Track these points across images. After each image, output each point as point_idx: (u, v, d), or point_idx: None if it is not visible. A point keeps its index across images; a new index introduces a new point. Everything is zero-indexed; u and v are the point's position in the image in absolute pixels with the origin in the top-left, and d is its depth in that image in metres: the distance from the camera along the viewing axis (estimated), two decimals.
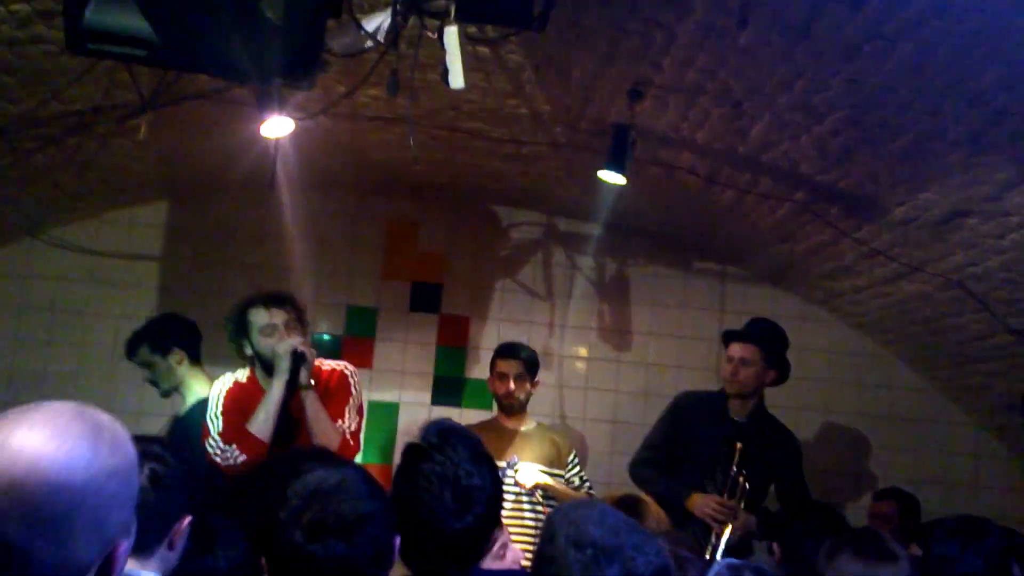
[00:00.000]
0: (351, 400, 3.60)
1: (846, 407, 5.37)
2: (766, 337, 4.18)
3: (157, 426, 4.99)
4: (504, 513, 4.16)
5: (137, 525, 1.73)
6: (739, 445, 3.98)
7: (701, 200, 4.53)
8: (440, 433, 2.05)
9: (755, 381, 4.14)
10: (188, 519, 1.90)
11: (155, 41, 2.58)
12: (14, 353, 5.14)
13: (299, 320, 3.58)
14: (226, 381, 3.63)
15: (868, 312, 5.10)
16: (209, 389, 4.10)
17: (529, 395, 4.42)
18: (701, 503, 3.97)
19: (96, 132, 4.02)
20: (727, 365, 4.19)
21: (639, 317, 5.48)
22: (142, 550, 1.76)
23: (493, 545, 2.26)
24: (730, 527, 3.91)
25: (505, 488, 4.15)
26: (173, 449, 2.03)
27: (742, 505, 3.97)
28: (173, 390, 4.15)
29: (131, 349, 4.16)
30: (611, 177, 3.84)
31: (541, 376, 5.31)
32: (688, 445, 4.20)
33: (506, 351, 4.47)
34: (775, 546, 3.09)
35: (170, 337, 4.11)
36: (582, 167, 4.27)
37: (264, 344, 3.51)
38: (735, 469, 3.94)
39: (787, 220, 4.39)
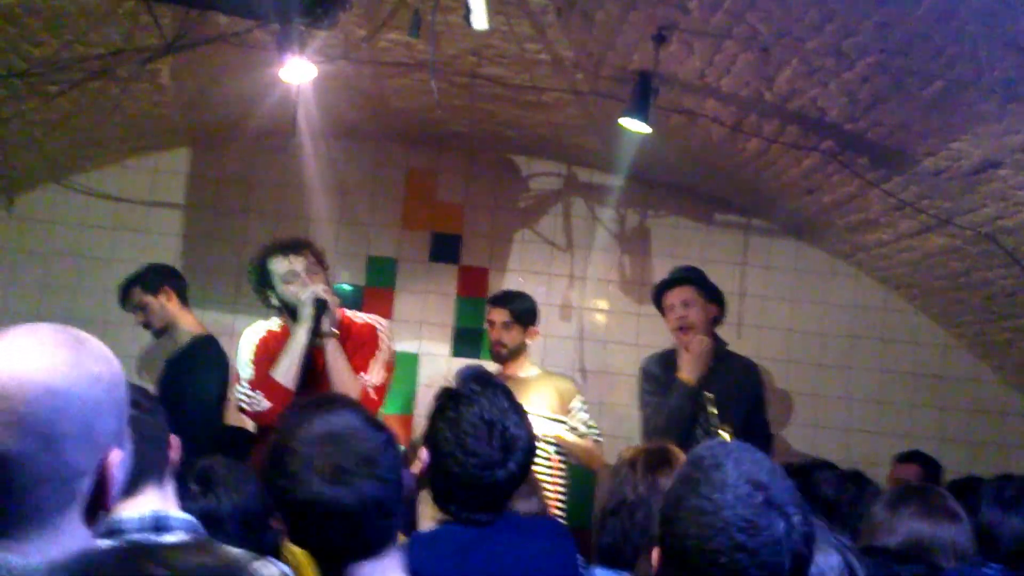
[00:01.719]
0: (378, 354, 3.59)
1: (870, 363, 5.32)
2: (695, 276, 4.28)
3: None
4: None
5: (148, 455, 1.73)
6: (710, 395, 3.95)
7: (725, 150, 4.46)
8: (479, 380, 2.05)
9: (703, 317, 4.18)
10: (178, 440, 1.87)
11: None
12: (40, 299, 5.19)
13: (319, 264, 3.58)
14: (258, 329, 3.64)
15: (894, 266, 5.03)
16: (198, 328, 4.28)
17: (521, 344, 4.34)
18: (687, 356, 4.07)
19: (118, 76, 4.00)
20: (671, 316, 4.23)
21: (660, 269, 5.40)
22: (153, 476, 1.74)
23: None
24: None
25: None
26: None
27: None
28: (164, 330, 4.37)
29: (124, 293, 4.40)
30: (633, 125, 3.78)
31: (561, 328, 5.31)
32: None
33: (495, 299, 4.48)
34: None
35: (160, 278, 4.36)
36: (603, 115, 4.22)
37: (288, 292, 3.51)
38: (716, 422, 3.92)
39: (813, 171, 4.32)
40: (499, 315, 4.36)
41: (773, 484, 1.45)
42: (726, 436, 3.87)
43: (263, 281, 3.58)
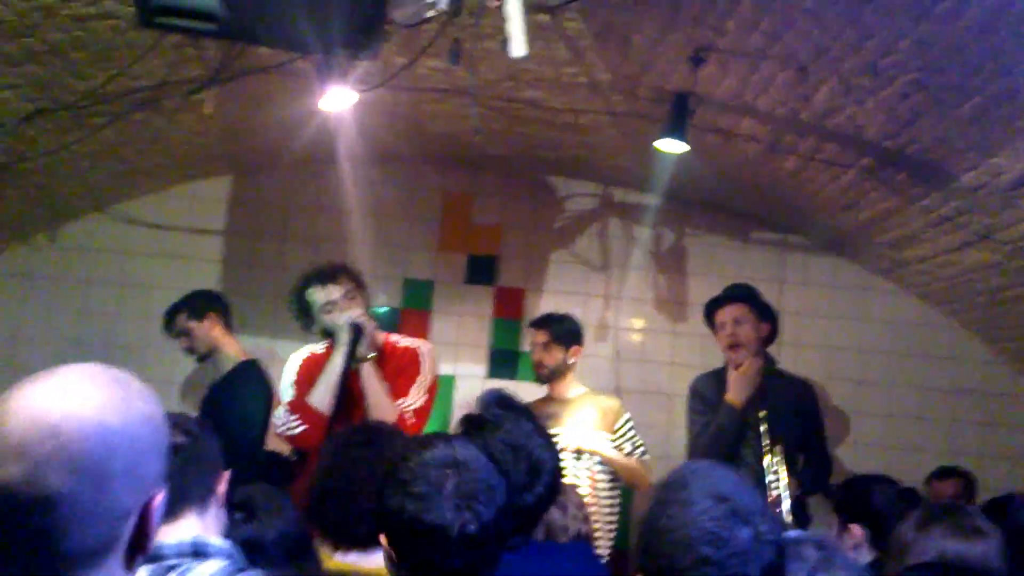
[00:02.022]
0: (419, 379, 3.61)
1: (910, 380, 5.28)
2: (747, 294, 4.25)
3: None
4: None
5: (191, 480, 1.76)
6: (762, 413, 3.94)
7: (761, 168, 4.47)
8: (501, 403, 2.06)
9: (754, 336, 4.15)
10: (228, 472, 1.91)
11: (222, 14, 2.62)
12: (80, 325, 5.28)
13: (357, 287, 3.61)
14: (302, 353, 3.69)
15: (934, 282, 5.00)
16: (242, 353, 4.32)
17: (563, 364, 4.34)
18: (735, 377, 4.04)
19: (163, 107, 4.09)
20: (722, 334, 4.20)
21: (696, 288, 5.43)
22: (196, 503, 1.77)
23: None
24: (784, 495, 3.89)
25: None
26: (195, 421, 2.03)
27: (785, 470, 3.92)
28: (209, 355, 4.40)
29: (169, 319, 4.44)
30: (671, 146, 3.81)
31: (597, 348, 5.30)
32: None
33: (535, 322, 4.50)
34: (856, 528, 3.02)
35: (205, 303, 4.41)
36: (640, 136, 4.24)
37: (328, 320, 3.55)
38: (766, 440, 3.90)
39: (851, 187, 4.31)
40: (539, 336, 4.39)
41: (737, 495, 1.47)
42: (776, 456, 3.87)
43: (304, 311, 3.63)
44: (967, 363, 5.27)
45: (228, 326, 4.43)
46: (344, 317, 3.51)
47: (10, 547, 1.09)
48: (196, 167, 5.21)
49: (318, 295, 3.58)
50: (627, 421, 4.33)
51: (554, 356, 4.34)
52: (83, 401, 1.13)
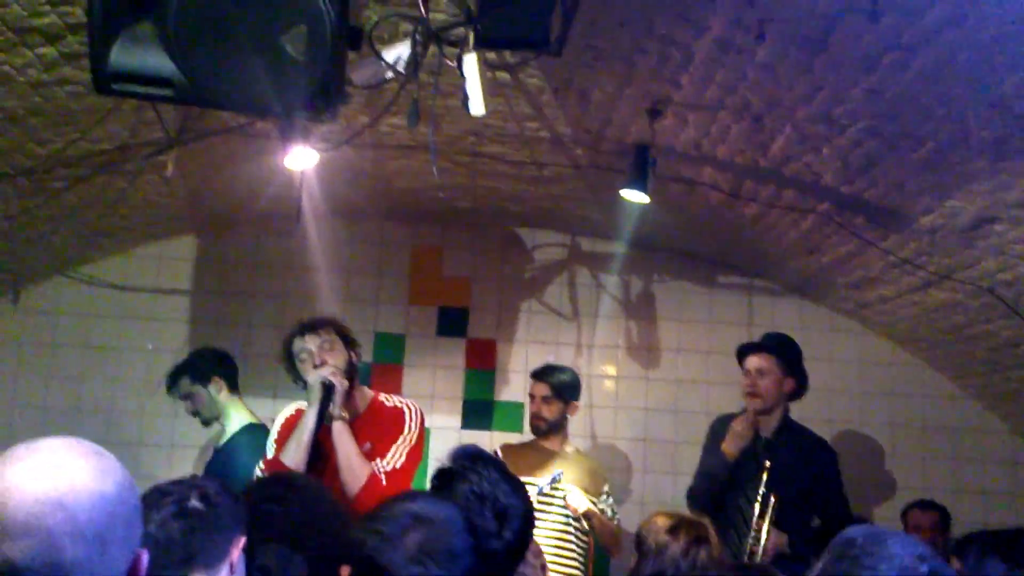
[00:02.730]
0: (401, 438, 3.55)
1: (880, 418, 5.31)
2: (780, 346, 4.20)
3: (190, 459, 5.03)
4: (551, 535, 4.19)
5: (198, 544, 1.78)
6: (767, 464, 3.94)
7: (725, 214, 4.52)
8: (470, 455, 2.11)
9: (775, 390, 4.12)
10: (244, 539, 1.92)
11: (181, 80, 2.63)
12: (47, 389, 5.20)
13: (343, 341, 3.58)
14: (289, 409, 3.64)
15: (898, 321, 5.06)
16: (248, 417, 4.21)
17: (562, 418, 4.40)
18: (731, 437, 4.02)
19: (124, 170, 4.08)
20: (745, 379, 4.18)
21: (666, 334, 5.46)
22: (201, 567, 1.78)
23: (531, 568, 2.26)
24: (758, 549, 3.87)
25: (552, 510, 4.19)
26: (219, 482, 2.06)
27: (769, 525, 3.90)
28: (214, 419, 4.28)
29: (172, 382, 4.30)
30: (633, 196, 3.85)
31: None
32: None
33: (537, 373, 4.50)
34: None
35: (209, 366, 4.26)
36: (604, 187, 4.29)
37: (303, 372, 3.52)
38: (763, 490, 3.90)
39: (812, 232, 4.37)
40: (540, 389, 4.40)
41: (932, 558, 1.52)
42: (767, 511, 3.84)
43: (290, 361, 3.59)
44: (936, 400, 5.32)
45: (234, 388, 4.28)
46: (315, 375, 3.47)
47: None
48: (160, 227, 5.18)
49: (297, 344, 3.55)
50: (608, 486, 4.43)
51: (553, 410, 4.38)
52: (79, 472, 1.19)
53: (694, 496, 4.20)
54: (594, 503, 4.26)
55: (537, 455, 4.35)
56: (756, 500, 3.91)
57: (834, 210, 4.05)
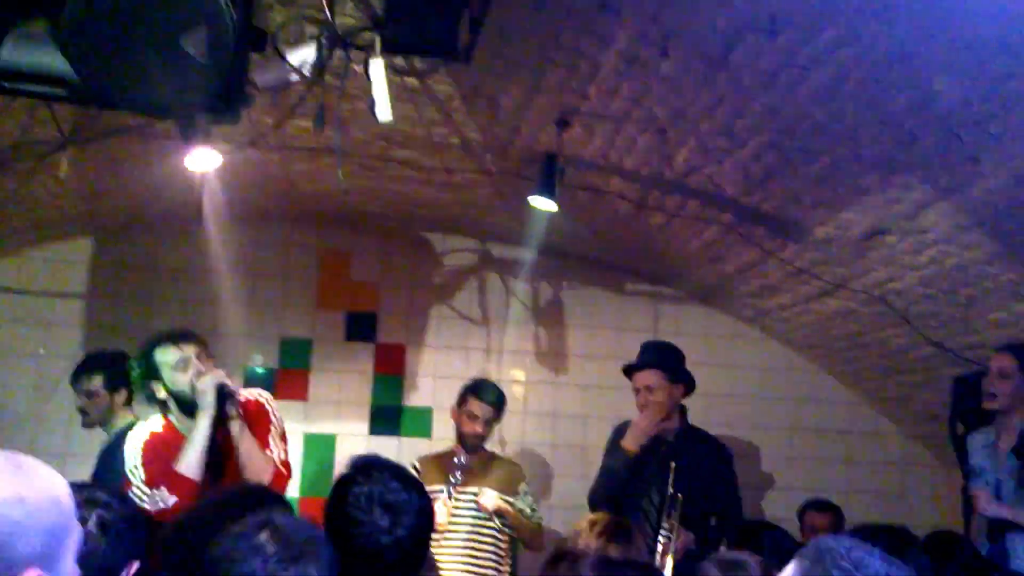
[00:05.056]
0: (272, 428, 3.55)
1: (777, 422, 5.47)
2: (660, 358, 4.29)
3: (84, 467, 4.82)
4: (464, 535, 4.21)
5: (90, 572, 1.71)
6: (673, 464, 4.01)
7: (632, 224, 4.60)
8: (363, 461, 2.19)
9: (667, 400, 4.21)
10: (136, 565, 1.87)
11: (74, 79, 2.54)
12: None
13: (207, 353, 3.53)
14: (140, 433, 3.54)
15: (796, 329, 5.22)
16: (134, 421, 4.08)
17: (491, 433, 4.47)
18: (633, 432, 4.09)
19: (16, 169, 3.92)
20: (637, 397, 4.26)
21: (575, 340, 5.52)
22: None
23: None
24: (671, 550, 3.94)
25: (466, 512, 4.23)
26: (120, 496, 2.00)
27: (677, 524, 3.98)
28: (99, 424, 4.18)
29: (83, 374, 4.16)
30: (542, 204, 3.89)
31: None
32: None
33: (481, 392, 4.43)
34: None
35: (125, 378, 4.09)
36: (514, 194, 4.31)
37: (180, 381, 3.43)
38: (671, 490, 3.97)
39: (715, 241, 4.48)
40: (485, 411, 4.36)
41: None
42: (676, 510, 3.91)
43: (150, 373, 3.50)
44: (831, 405, 5.51)
45: (130, 402, 4.18)
46: (208, 380, 3.40)
47: None
48: (55, 229, 4.99)
49: (170, 354, 3.45)
50: (526, 485, 4.46)
51: (491, 429, 4.41)
52: None
53: (595, 498, 4.25)
54: (511, 502, 4.30)
55: (455, 460, 4.34)
56: (664, 500, 3.98)
57: (736, 221, 4.16)
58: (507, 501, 4.30)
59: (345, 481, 2.13)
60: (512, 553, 4.50)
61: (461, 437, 4.40)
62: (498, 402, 4.42)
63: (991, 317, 4.00)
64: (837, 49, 2.72)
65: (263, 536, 1.73)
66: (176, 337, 3.48)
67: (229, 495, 2.41)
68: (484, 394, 4.41)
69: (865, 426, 5.48)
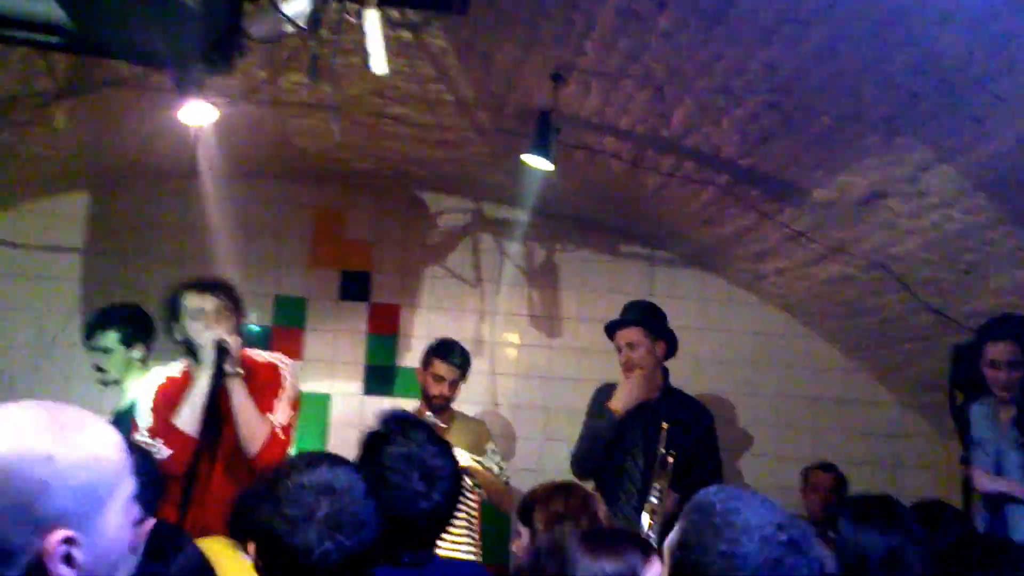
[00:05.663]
0: (281, 393, 3.54)
1: (772, 388, 5.46)
2: (643, 315, 4.31)
3: None
4: None
5: None
6: (665, 425, 4.02)
7: (626, 184, 4.57)
8: (399, 419, 2.15)
9: (649, 357, 4.22)
10: (152, 522, 1.88)
11: (69, 26, 2.51)
12: None
13: (234, 308, 3.51)
14: (158, 376, 3.56)
15: (793, 293, 5.21)
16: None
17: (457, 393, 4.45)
18: (621, 392, 4.10)
19: (12, 121, 3.89)
20: (619, 355, 4.27)
21: (569, 302, 5.51)
22: None
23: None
24: (659, 509, 3.95)
25: None
26: (140, 452, 1.99)
27: (667, 485, 3.99)
28: (116, 382, 4.03)
29: (97, 331, 4.00)
30: (535, 162, 3.86)
31: (473, 363, 5.33)
32: None
33: (446, 354, 4.40)
34: None
35: (141, 332, 4.02)
36: (508, 152, 4.28)
37: (192, 329, 3.45)
38: (663, 450, 3.98)
39: (711, 203, 4.46)
40: (450, 372, 4.34)
41: (793, 529, 1.55)
42: (665, 467, 3.92)
43: (173, 313, 3.51)
44: (827, 372, 5.49)
45: (146, 360, 4.04)
46: (207, 336, 3.40)
47: None
48: (51, 183, 4.97)
49: (192, 300, 3.47)
50: (492, 444, 4.47)
51: (457, 389, 4.38)
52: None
53: (578, 460, 4.27)
54: (479, 462, 4.29)
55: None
56: (651, 461, 3.98)
57: (732, 182, 4.13)
58: (476, 460, 4.29)
59: (380, 438, 2.10)
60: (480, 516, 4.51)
61: (427, 398, 4.39)
62: (463, 363, 4.39)
63: (992, 284, 3.95)
64: (836, 4, 2.69)
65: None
66: (203, 286, 3.49)
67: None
68: (449, 355, 4.37)
69: (862, 394, 5.46)
